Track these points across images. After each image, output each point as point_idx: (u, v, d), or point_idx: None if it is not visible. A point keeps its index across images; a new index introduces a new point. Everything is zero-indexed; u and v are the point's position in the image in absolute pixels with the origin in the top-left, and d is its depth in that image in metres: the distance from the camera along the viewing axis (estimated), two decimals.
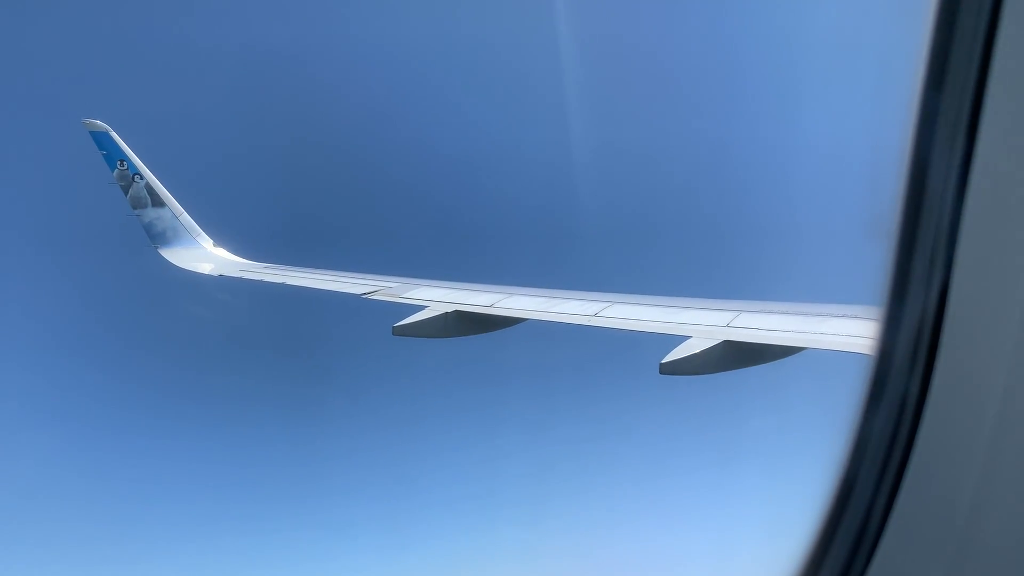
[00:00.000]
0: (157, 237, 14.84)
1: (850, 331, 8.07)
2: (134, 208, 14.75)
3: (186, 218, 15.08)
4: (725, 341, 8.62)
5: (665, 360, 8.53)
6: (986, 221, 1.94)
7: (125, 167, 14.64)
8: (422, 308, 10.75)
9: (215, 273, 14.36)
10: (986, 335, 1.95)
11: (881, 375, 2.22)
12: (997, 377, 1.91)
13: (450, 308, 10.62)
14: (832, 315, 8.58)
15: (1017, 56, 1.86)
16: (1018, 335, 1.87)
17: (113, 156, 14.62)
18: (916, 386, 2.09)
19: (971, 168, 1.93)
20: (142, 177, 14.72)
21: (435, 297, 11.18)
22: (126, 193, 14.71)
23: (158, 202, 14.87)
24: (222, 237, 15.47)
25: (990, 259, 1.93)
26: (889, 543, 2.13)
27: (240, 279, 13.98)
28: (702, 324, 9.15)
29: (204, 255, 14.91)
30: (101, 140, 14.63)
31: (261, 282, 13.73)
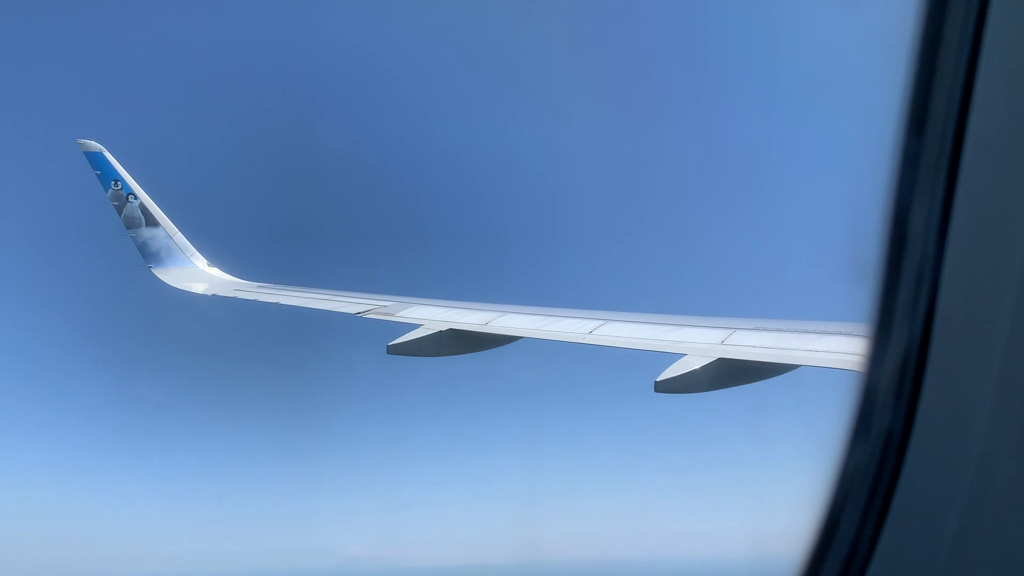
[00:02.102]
0: (151, 257, 14.81)
1: (844, 348, 8.06)
2: (128, 228, 14.73)
3: (180, 238, 15.04)
4: (720, 359, 8.60)
5: (660, 378, 8.51)
6: (968, 252, 1.96)
7: (119, 187, 14.63)
8: (416, 327, 10.71)
9: (209, 292, 14.32)
10: (970, 364, 1.96)
11: (867, 406, 2.24)
12: (982, 403, 1.93)
13: (444, 327, 10.58)
14: (827, 332, 8.57)
15: (994, 97, 1.90)
16: (1001, 364, 1.89)
17: (107, 176, 14.61)
18: (901, 416, 2.10)
19: (953, 203, 1.96)
20: (136, 197, 14.71)
21: (430, 316, 11.14)
22: (120, 213, 14.70)
23: (152, 222, 14.84)
24: (216, 257, 15.47)
25: (972, 291, 1.95)
26: (881, 556, 2.13)
27: (234, 299, 13.95)
28: (697, 342, 9.13)
29: (198, 275, 14.87)
30: (95, 160, 14.63)
31: (255, 302, 13.70)
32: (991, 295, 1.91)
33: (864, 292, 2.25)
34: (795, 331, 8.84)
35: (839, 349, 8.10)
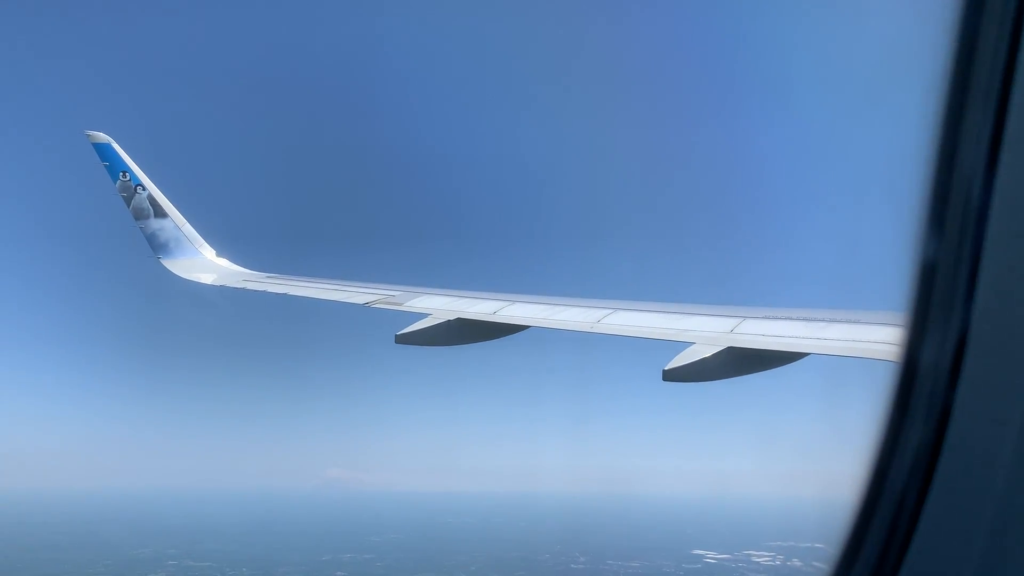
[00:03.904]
0: (160, 248, 14.82)
1: (853, 336, 8.05)
2: (137, 219, 14.75)
3: (188, 228, 15.06)
4: (729, 347, 8.58)
5: (668, 367, 8.50)
6: (1013, 231, 1.94)
7: (128, 178, 14.64)
8: (425, 316, 10.71)
9: (217, 283, 14.35)
10: (1012, 346, 1.95)
11: (906, 386, 2.21)
12: (1022, 389, 1.91)
13: (452, 316, 10.58)
14: (835, 320, 8.55)
15: None
16: None
17: (116, 167, 14.63)
18: (940, 397, 2.08)
19: (996, 177, 1.93)
20: (144, 188, 14.72)
21: (437, 305, 11.14)
22: (129, 204, 14.72)
23: (161, 213, 14.85)
24: (224, 247, 15.50)
25: (1016, 269, 1.93)
26: (915, 554, 2.12)
27: (243, 289, 13.97)
28: (705, 331, 9.11)
29: (207, 265, 14.89)
30: (104, 151, 14.64)
31: (264, 292, 13.72)
32: None
33: (903, 275, 2.22)
34: (804, 319, 8.82)
35: (848, 337, 8.08)
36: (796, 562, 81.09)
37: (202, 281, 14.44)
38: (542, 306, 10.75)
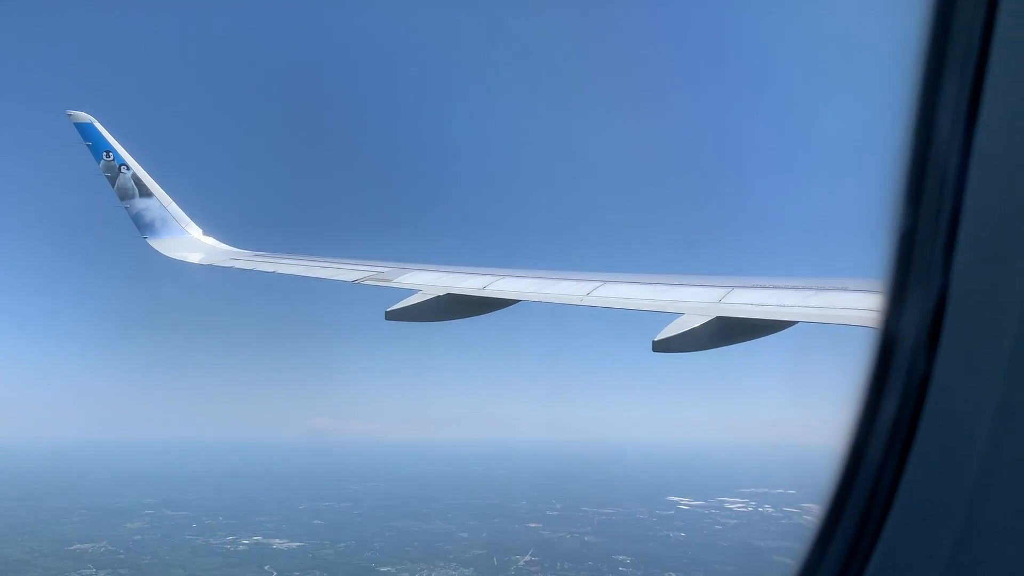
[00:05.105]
0: (146, 227, 14.75)
1: (840, 304, 8.09)
2: (121, 199, 14.66)
3: (174, 208, 14.98)
4: (717, 317, 8.61)
5: (658, 338, 8.52)
6: (988, 205, 1.95)
7: (111, 158, 14.53)
8: (415, 292, 10.70)
9: (205, 262, 14.30)
10: (989, 318, 1.96)
11: (884, 357, 2.23)
12: (1000, 358, 1.93)
13: (442, 291, 10.58)
14: (822, 288, 8.58)
15: (1017, 40, 1.87)
16: (1021, 319, 1.89)
17: (99, 147, 14.51)
18: (920, 369, 2.10)
19: (972, 151, 1.94)
20: (128, 168, 14.62)
21: (427, 281, 11.13)
22: (113, 184, 14.62)
23: (145, 192, 14.76)
24: (211, 226, 15.44)
25: (992, 243, 1.94)
26: (895, 521, 2.15)
27: (231, 268, 13.92)
28: (694, 301, 9.14)
29: (193, 244, 14.83)
30: (86, 131, 14.52)
31: (252, 271, 13.68)
32: (1013, 242, 1.91)
33: (880, 242, 2.24)
34: (792, 288, 8.85)
35: (836, 304, 8.12)
36: (768, 508, 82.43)
37: (189, 260, 14.38)
38: (532, 280, 10.76)
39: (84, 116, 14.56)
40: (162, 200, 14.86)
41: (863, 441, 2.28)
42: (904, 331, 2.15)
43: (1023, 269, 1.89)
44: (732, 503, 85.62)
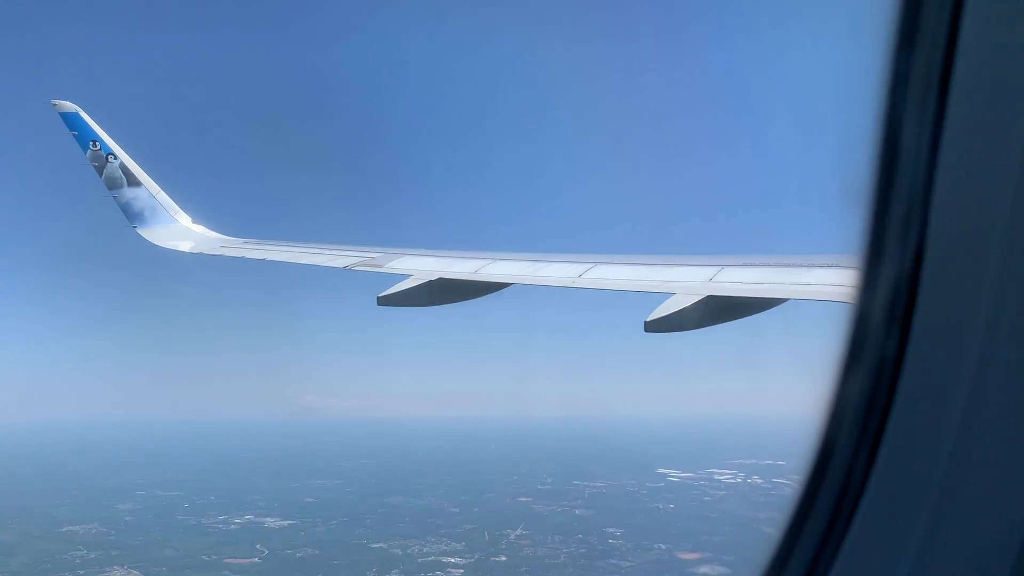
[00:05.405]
0: (135, 216, 14.64)
1: (830, 280, 8.15)
2: (110, 188, 14.54)
3: (163, 196, 14.88)
4: (708, 296, 8.67)
5: (650, 318, 8.57)
6: (960, 174, 1.97)
7: (98, 147, 14.41)
8: (406, 277, 10.70)
9: (195, 251, 14.24)
10: (963, 288, 1.98)
11: (859, 336, 2.25)
12: (975, 329, 1.95)
13: (434, 276, 10.58)
14: (812, 265, 8.65)
15: (985, 17, 1.90)
16: (994, 287, 1.91)
17: (85, 137, 14.38)
18: (894, 345, 2.11)
19: (943, 128, 1.97)
20: (116, 157, 14.49)
21: (418, 266, 11.13)
22: (101, 174, 14.50)
23: (134, 181, 14.64)
24: (201, 214, 15.37)
25: (963, 216, 1.97)
26: (868, 505, 2.18)
27: (221, 256, 13.88)
28: (685, 280, 9.19)
29: (183, 232, 14.75)
30: (72, 121, 14.38)
31: (242, 259, 13.64)
32: (983, 218, 1.92)
33: (854, 219, 2.24)
34: (783, 265, 8.92)
35: (826, 281, 8.18)
36: (756, 479, 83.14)
37: (180, 249, 14.31)
38: (524, 263, 10.79)
39: (69, 106, 14.41)
40: (151, 189, 14.75)
41: (838, 420, 2.29)
42: (878, 309, 2.16)
43: (994, 247, 1.91)
44: (721, 474, 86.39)
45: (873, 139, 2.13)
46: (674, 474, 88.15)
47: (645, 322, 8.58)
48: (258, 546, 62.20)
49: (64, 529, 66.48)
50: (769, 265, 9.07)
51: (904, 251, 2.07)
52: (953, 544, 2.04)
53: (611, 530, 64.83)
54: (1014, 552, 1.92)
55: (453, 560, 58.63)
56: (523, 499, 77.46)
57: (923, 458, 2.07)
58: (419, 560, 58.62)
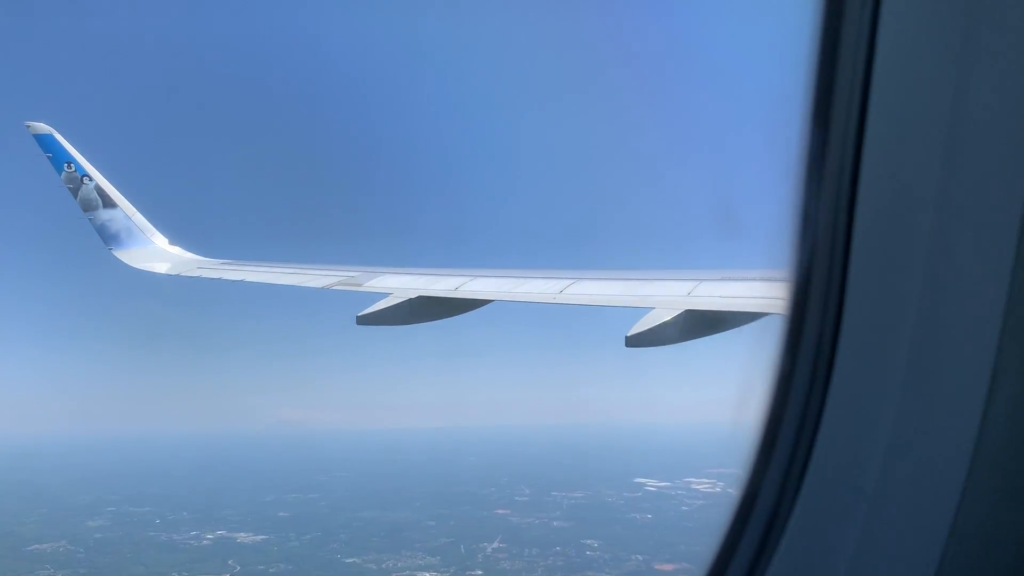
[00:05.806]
0: (111, 239, 14.51)
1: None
2: (85, 210, 14.42)
3: (139, 218, 14.76)
4: (687, 310, 8.75)
5: (631, 333, 8.64)
6: (883, 189, 1.99)
7: (73, 169, 14.29)
8: (385, 295, 10.70)
9: (172, 272, 14.15)
10: (888, 305, 2.02)
11: (792, 346, 2.27)
12: (901, 336, 1.99)
13: (414, 294, 10.59)
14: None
15: (902, 31, 1.93)
16: (918, 298, 1.95)
17: (59, 158, 14.26)
18: (825, 356, 2.13)
19: (864, 141, 1.99)
20: (91, 179, 14.38)
21: (398, 284, 11.13)
22: (76, 196, 14.39)
23: (109, 203, 14.52)
24: (177, 235, 15.27)
25: (887, 220, 2.00)
26: (803, 506, 2.23)
27: (198, 278, 13.80)
28: (664, 295, 9.27)
29: (160, 254, 14.64)
30: (46, 142, 14.25)
31: (219, 280, 13.57)
32: (907, 219, 1.96)
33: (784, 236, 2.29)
34: (761, 279, 9.01)
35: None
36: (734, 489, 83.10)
37: (156, 271, 14.22)
38: (504, 280, 10.83)
39: (43, 127, 14.28)
40: (126, 210, 14.63)
41: (774, 429, 2.33)
42: (809, 318, 2.19)
43: (918, 249, 1.94)
44: (699, 484, 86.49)
45: (801, 146, 2.16)
46: (652, 484, 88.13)
47: (626, 337, 8.66)
48: (230, 562, 61.29)
49: (31, 547, 64.99)
50: (747, 279, 9.17)
51: (832, 256, 2.09)
52: (883, 543, 2.09)
53: (589, 541, 64.64)
54: (939, 548, 1.97)
55: (427, 575, 58.17)
56: (500, 511, 77.08)
57: (854, 466, 2.11)
58: (393, 575, 58.09)
